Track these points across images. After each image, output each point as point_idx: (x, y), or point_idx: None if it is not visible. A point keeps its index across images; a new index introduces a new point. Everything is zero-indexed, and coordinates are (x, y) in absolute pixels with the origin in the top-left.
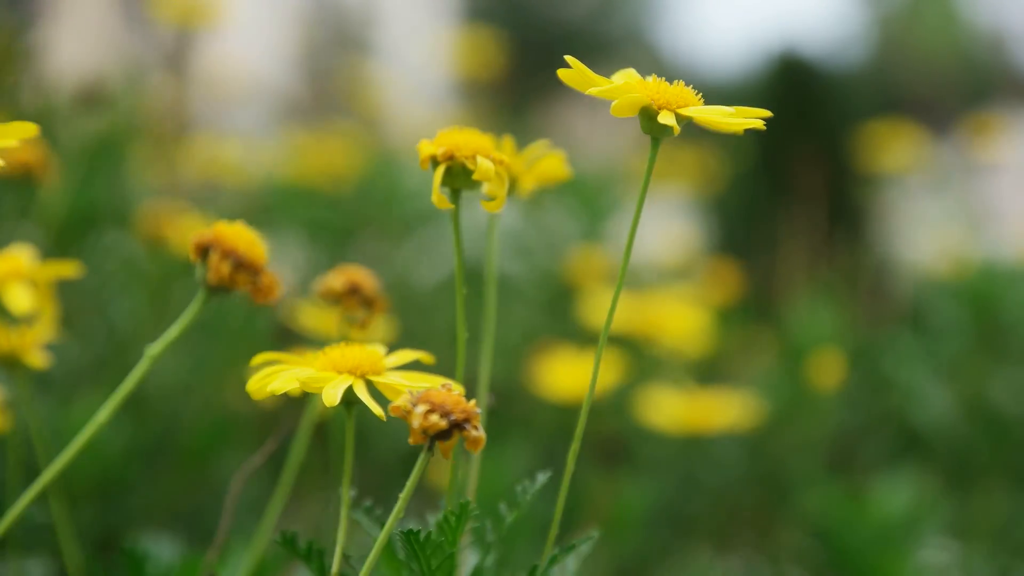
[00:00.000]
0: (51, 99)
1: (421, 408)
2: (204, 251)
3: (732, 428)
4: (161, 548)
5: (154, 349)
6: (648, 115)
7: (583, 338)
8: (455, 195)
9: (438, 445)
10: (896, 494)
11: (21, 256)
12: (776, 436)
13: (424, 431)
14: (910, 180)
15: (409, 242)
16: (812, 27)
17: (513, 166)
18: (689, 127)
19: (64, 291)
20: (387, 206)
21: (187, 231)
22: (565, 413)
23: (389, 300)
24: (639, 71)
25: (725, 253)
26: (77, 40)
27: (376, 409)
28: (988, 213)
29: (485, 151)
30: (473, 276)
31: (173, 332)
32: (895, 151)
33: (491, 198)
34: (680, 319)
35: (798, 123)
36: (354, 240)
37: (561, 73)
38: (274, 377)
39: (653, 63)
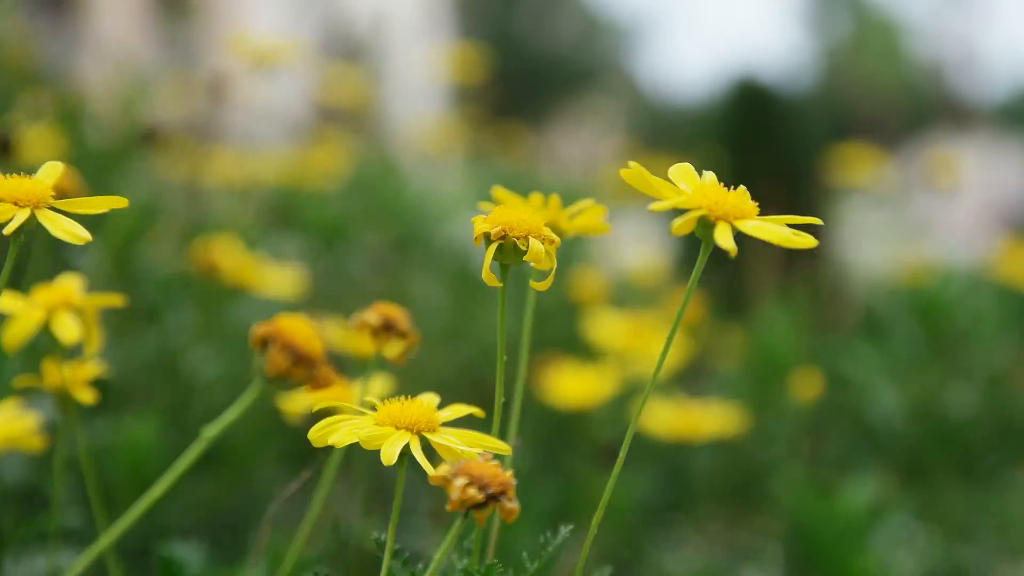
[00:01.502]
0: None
1: (460, 481)
2: (264, 343)
3: (716, 436)
4: (194, 556)
5: (211, 431)
6: (706, 227)
7: (584, 349)
8: (504, 271)
9: (473, 513)
10: (860, 490)
11: (70, 286)
12: (746, 432)
13: (462, 502)
14: (860, 195)
15: (413, 247)
16: (769, 56)
17: (558, 222)
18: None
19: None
20: (391, 211)
21: (240, 275)
22: (567, 418)
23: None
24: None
25: (693, 266)
26: (111, 67)
27: (429, 469)
28: (929, 226)
29: (537, 232)
30: (464, 275)
31: (231, 414)
32: (852, 169)
33: (541, 277)
34: (657, 339)
35: (757, 142)
36: (359, 242)
37: (624, 175)
38: (335, 429)
39: (630, 88)
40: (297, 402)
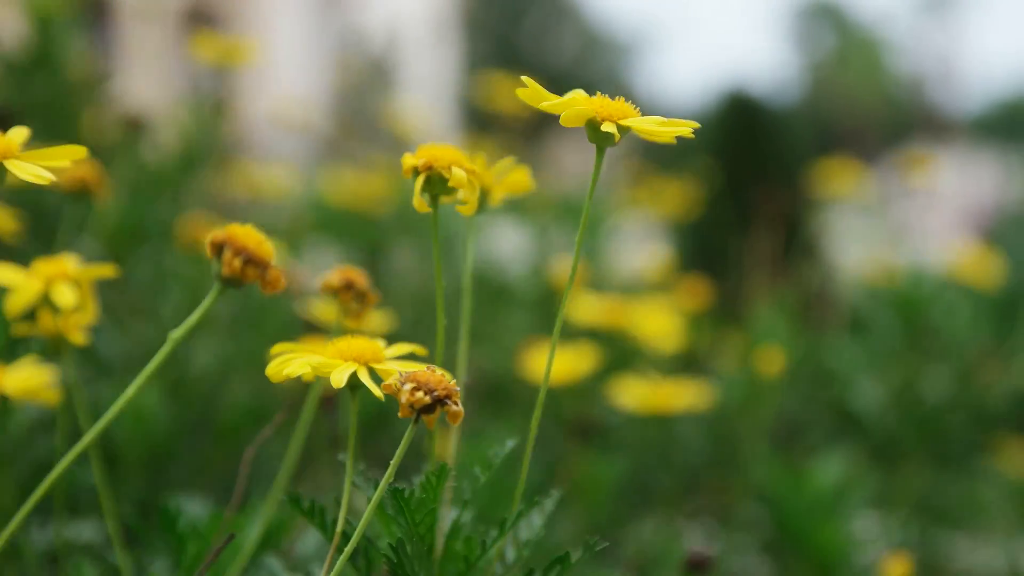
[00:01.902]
0: (113, 128)
1: (408, 386)
2: (219, 249)
3: (689, 410)
4: (193, 508)
5: (177, 333)
6: (593, 126)
7: (567, 333)
8: (434, 200)
9: (423, 418)
10: (829, 469)
11: (68, 261)
12: (737, 419)
13: (411, 406)
14: (845, 203)
15: (425, 252)
16: (757, 70)
17: (485, 178)
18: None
19: (119, 293)
20: (410, 224)
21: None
22: (547, 395)
23: (411, 301)
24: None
25: (698, 267)
26: (144, 79)
27: (375, 391)
28: (909, 231)
29: (459, 162)
30: (484, 281)
31: (194, 318)
32: (836, 182)
33: (464, 203)
34: (654, 320)
35: (747, 150)
36: (384, 252)
37: (519, 92)
38: (289, 363)
39: (628, 101)
40: (278, 367)
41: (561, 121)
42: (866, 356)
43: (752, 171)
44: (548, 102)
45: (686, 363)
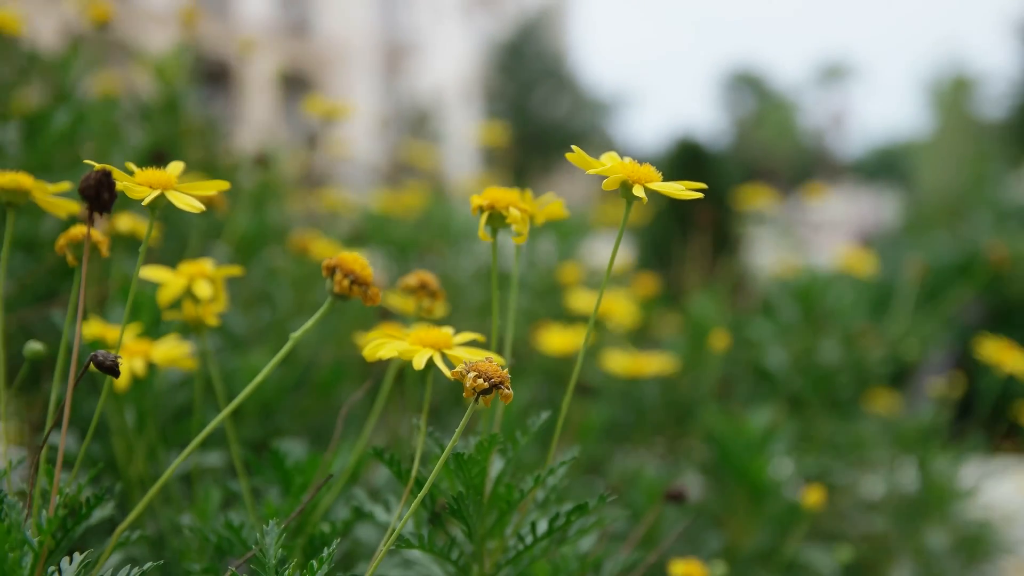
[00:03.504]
0: (235, 160)
1: (472, 374)
2: (332, 271)
3: (656, 374)
4: (296, 449)
5: (297, 334)
6: (626, 187)
7: (566, 317)
8: (494, 231)
9: (482, 398)
10: (759, 417)
11: (206, 263)
12: (682, 379)
13: (474, 389)
14: (763, 220)
15: (454, 253)
16: (698, 124)
17: (532, 209)
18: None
19: (242, 285)
20: (442, 232)
21: (320, 248)
22: (555, 362)
23: (442, 289)
24: (595, 152)
25: (650, 264)
26: (255, 124)
27: (447, 372)
28: (808, 243)
29: (515, 203)
30: (499, 277)
31: (310, 323)
32: (755, 202)
33: (518, 234)
34: (621, 306)
35: (689, 179)
36: (420, 253)
37: (569, 156)
38: (381, 347)
39: (607, 144)
40: (365, 340)
41: (603, 186)
42: (775, 330)
43: (699, 198)
44: (594, 169)
45: (640, 335)
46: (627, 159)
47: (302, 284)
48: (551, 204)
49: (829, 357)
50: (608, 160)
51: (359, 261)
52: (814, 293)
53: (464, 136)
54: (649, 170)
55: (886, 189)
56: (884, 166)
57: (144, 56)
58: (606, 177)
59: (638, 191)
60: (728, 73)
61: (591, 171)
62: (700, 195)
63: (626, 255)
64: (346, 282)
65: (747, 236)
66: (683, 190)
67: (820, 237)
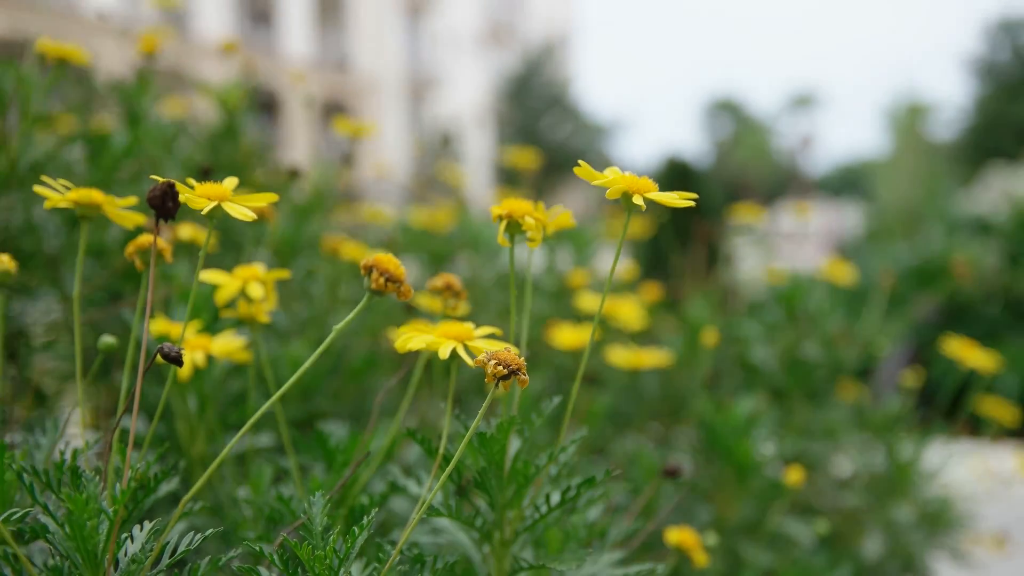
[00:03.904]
0: (282, 178)
1: (493, 362)
2: (369, 270)
3: (653, 367)
4: (337, 430)
5: (340, 326)
6: (627, 196)
7: (574, 317)
8: (512, 238)
9: (502, 384)
10: (744, 405)
11: (257, 267)
12: (677, 371)
13: (494, 375)
14: (743, 231)
15: (477, 260)
16: (684, 145)
17: (543, 219)
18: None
19: (284, 285)
20: (467, 242)
21: (351, 252)
22: (564, 356)
23: (467, 291)
24: (599, 169)
25: (651, 275)
26: (299, 145)
27: (469, 361)
28: (779, 250)
29: (530, 212)
30: (517, 282)
31: (351, 316)
32: (741, 216)
33: (532, 240)
34: (627, 308)
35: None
36: (448, 260)
37: (577, 170)
38: (411, 339)
39: (605, 163)
40: (397, 334)
41: (607, 195)
42: (761, 329)
43: (686, 210)
44: (599, 180)
45: (641, 334)
46: (627, 172)
47: (333, 283)
48: (560, 215)
49: (809, 354)
50: (611, 173)
51: (393, 261)
52: (796, 297)
53: (479, 157)
54: (647, 181)
55: (849, 203)
56: (847, 183)
57: (207, 87)
58: (608, 188)
59: (637, 200)
60: (710, 101)
61: (596, 182)
62: (692, 203)
63: (630, 264)
64: (382, 280)
65: (736, 248)
66: (677, 199)
67: (790, 245)
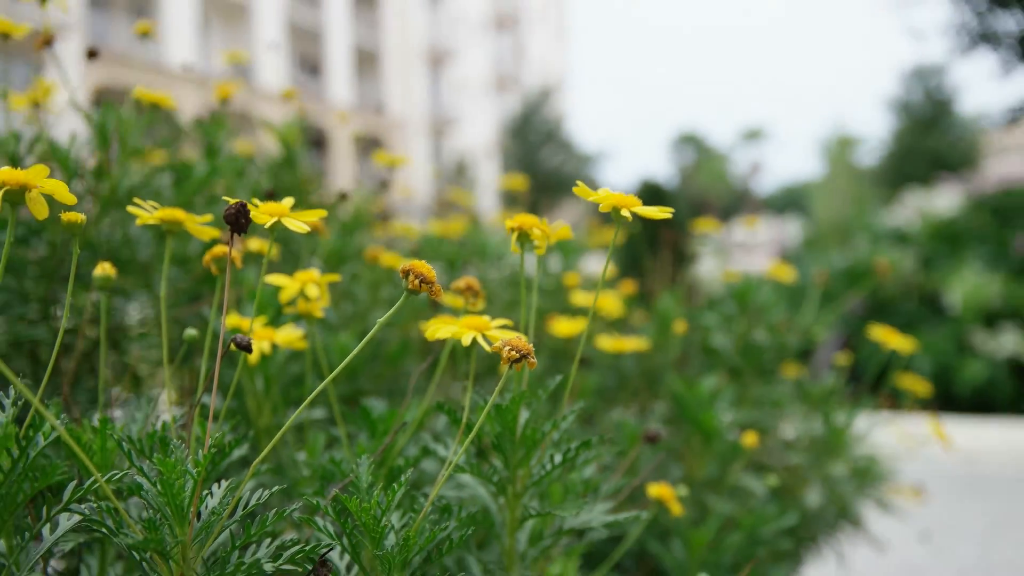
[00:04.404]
0: (330, 200)
1: (507, 348)
2: (407, 273)
3: (633, 351)
4: (379, 405)
5: (383, 319)
6: (616, 210)
7: (569, 310)
8: (522, 246)
9: (514, 366)
10: (708, 382)
11: (312, 272)
12: (652, 355)
13: (509, 359)
14: (705, 241)
15: (484, 265)
16: (655, 171)
17: (546, 231)
18: (609, 216)
19: (333, 287)
20: (477, 250)
21: (389, 260)
22: (561, 342)
23: (482, 290)
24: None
25: (627, 274)
26: (342, 175)
27: (487, 347)
28: (733, 257)
29: (537, 225)
30: (516, 279)
31: (392, 311)
32: (703, 228)
33: (539, 248)
34: (608, 302)
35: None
36: (460, 265)
37: (575, 189)
38: (439, 330)
39: (592, 185)
40: (427, 326)
41: (600, 209)
42: (719, 320)
43: (656, 221)
44: (594, 197)
45: (621, 325)
46: (616, 191)
47: (374, 285)
48: (560, 229)
49: (759, 339)
50: (603, 191)
51: (426, 266)
52: (747, 293)
53: (487, 182)
54: (633, 198)
55: (791, 218)
56: (789, 201)
57: (270, 126)
58: (601, 203)
59: (625, 213)
60: (676, 135)
61: (590, 199)
62: (670, 216)
63: (611, 266)
64: (417, 281)
65: (698, 253)
66: (658, 212)
67: (742, 252)
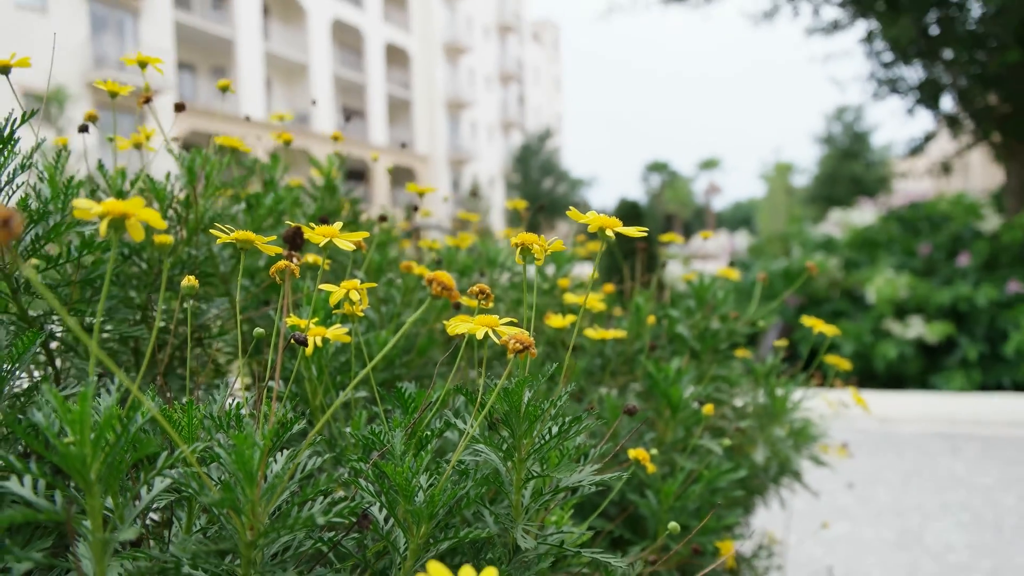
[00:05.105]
0: (369, 222)
1: (513, 341)
2: (431, 282)
3: (614, 338)
4: (410, 387)
5: (412, 318)
6: (602, 230)
7: (562, 308)
8: (524, 258)
9: (518, 355)
10: (674, 363)
11: (355, 281)
12: (629, 342)
13: (514, 350)
14: (673, 249)
15: (491, 272)
16: (629, 192)
17: (544, 246)
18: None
19: (372, 293)
20: (486, 260)
21: (419, 271)
22: (556, 333)
23: (492, 293)
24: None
25: (608, 277)
26: (378, 200)
27: (496, 340)
28: (695, 263)
29: (536, 241)
30: (522, 286)
31: (418, 313)
32: (670, 240)
33: (538, 259)
34: (592, 299)
35: (630, 224)
36: (472, 273)
37: (568, 213)
38: (459, 326)
39: (584, 207)
40: (448, 323)
41: (588, 229)
42: (683, 312)
43: (636, 238)
44: (584, 220)
45: (604, 318)
46: (602, 214)
47: (407, 290)
48: (555, 243)
49: (714, 328)
50: (591, 215)
51: (447, 276)
52: (704, 290)
53: (495, 205)
54: (615, 220)
55: (741, 231)
56: (740, 217)
57: (315, 162)
58: (589, 224)
59: (609, 232)
60: (646, 163)
61: (580, 220)
62: (646, 233)
63: (596, 272)
64: (439, 288)
65: (665, 260)
66: (635, 231)
67: (700, 259)
